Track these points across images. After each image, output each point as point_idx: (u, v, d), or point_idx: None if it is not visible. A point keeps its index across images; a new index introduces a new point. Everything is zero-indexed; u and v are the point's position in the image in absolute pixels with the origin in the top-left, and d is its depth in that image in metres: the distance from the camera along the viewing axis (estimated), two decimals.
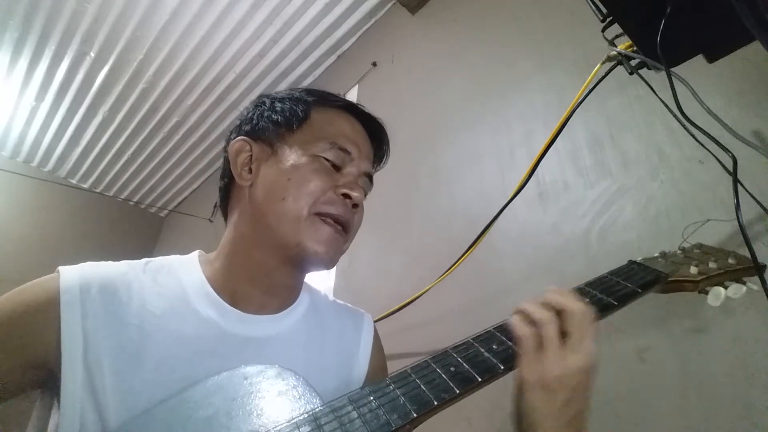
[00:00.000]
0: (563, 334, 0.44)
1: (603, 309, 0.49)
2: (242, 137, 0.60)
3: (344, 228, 0.57)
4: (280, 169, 0.56)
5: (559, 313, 0.45)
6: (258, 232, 0.56)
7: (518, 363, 0.44)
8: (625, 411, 0.78)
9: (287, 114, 0.59)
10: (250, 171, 0.59)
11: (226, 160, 0.62)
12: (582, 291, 0.52)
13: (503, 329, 0.48)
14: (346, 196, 0.56)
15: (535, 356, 0.43)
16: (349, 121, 0.62)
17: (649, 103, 0.96)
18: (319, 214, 0.55)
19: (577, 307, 0.45)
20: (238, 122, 0.65)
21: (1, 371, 0.43)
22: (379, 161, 0.70)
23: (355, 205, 0.58)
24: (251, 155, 0.59)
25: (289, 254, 0.55)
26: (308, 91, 0.63)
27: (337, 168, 0.58)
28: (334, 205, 0.56)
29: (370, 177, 0.64)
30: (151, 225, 4.03)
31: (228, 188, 0.63)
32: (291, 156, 0.57)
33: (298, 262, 0.56)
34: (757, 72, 0.82)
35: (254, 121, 0.61)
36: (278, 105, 0.61)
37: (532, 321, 0.45)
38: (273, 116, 0.60)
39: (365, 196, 0.63)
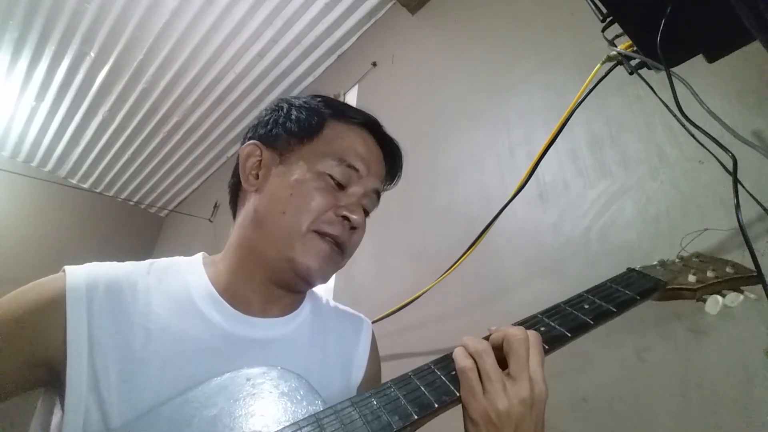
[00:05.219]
0: (506, 366, 0.42)
1: (601, 316, 0.49)
2: (254, 141, 0.61)
3: (341, 249, 0.57)
4: (284, 182, 0.56)
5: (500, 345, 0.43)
6: (257, 238, 0.56)
7: (462, 399, 0.42)
8: (625, 411, 0.78)
9: (301, 124, 0.59)
10: (257, 177, 0.59)
11: (238, 158, 0.62)
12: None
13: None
14: (345, 218, 0.56)
15: (477, 391, 0.40)
16: (362, 138, 0.61)
17: (649, 103, 0.96)
18: (317, 232, 0.55)
19: (512, 332, 0.43)
20: (256, 122, 0.64)
21: (7, 369, 0.43)
22: (390, 180, 0.70)
23: (353, 228, 0.57)
24: (260, 160, 0.60)
25: (278, 272, 0.55)
26: (327, 103, 0.62)
27: (341, 186, 0.57)
28: (332, 225, 0.55)
29: (377, 194, 0.63)
30: (151, 225, 4.03)
31: (236, 188, 0.64)
32: (297, 170, 0.57)
33: (287, 281, 0.56)
34: (757, 72, 0.82)
35: (269, 126, 0.61)
36: (294, 113, 0.60)
37: (472, 354, 0.43)
38: (287, 124, 0.60)
39: (369, 214, 0.62)
